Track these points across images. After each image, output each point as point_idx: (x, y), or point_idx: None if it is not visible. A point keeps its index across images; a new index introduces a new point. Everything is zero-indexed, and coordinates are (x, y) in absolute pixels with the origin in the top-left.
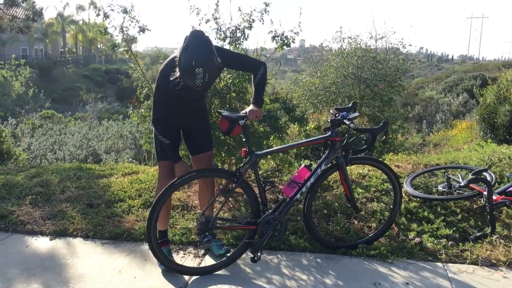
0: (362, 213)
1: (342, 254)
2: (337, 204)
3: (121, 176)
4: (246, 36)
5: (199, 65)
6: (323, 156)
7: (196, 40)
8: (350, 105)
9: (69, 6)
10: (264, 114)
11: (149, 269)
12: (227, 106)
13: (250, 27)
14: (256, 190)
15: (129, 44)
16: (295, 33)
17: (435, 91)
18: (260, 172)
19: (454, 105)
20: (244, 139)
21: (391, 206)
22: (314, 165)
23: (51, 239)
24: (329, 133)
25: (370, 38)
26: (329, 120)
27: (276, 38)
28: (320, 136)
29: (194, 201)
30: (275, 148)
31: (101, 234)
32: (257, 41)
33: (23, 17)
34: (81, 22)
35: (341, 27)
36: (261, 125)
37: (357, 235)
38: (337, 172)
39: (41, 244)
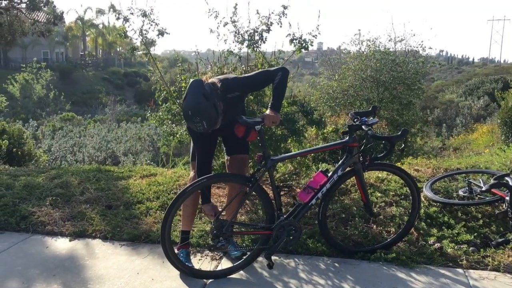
0: (380, 217)
1: (360, 258)
2: (355, 208)
3: (139, 178)
4: (264, 39)
5: (195, 114)
6: (340, 161)
7: (194, 89)
8: (370, 109)
9: (92, 10)
10: (282, 117)
11: (167, 270)
12: (246, 109)
13: (268, 30)
14: (271, 195)
15: (148, 47)
16: (313, 36)
17: (455, 94)
18: (277, 175)
19: (474, 108)
20: (260, 144)
21: (410, 211)
22: (331, 170)
23: (70, 240)
24: (347, 138)
25: (389, 40)
26: (347, 125)
27: (294, 41)
28: (337, 142)
29: (213, 203)
30: (291, 153)
31: (119, 235)
32: (275, 44)
33: (44, 21)
34: (101, 26)
35: (359, 30)
36: (278, 128)
37: (375, 240)
38: (354, 178)
39: (60, 245)
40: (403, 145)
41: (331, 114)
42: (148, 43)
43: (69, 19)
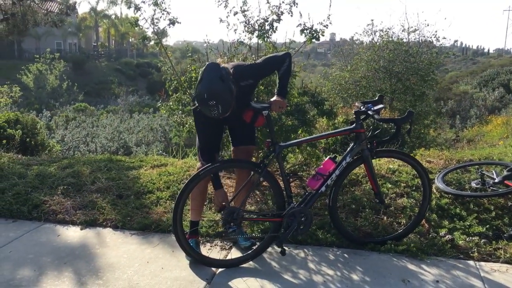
0: (391, 208)
1: (370, 249)
2: (366, 199)
3: (150, 168)
4: (274, 29)
5: (211, 98)
6: (348, 148)
7: (210, 72)
8: (377, 98)
9: (103, 1)
10: (293, 107)
11: (177, 260)
12: (255, 99)
13: (278, 20)
14: (281, 183)
15: (159, 37)
16: (324, 26)
17: (469, 85)
18: (287, 166)
19: (489, 100)
20: (268, 130)
21: (421, 202)
22: (339, 158)
23: (81, 229)
24: (354, 125)
25: (403, 31)
26: (353, 112)
27: (305, 31)
28: (345, 128)
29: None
30: (299, 139)
31: (130, 225)
32: (285, 33)
33: (57, 11)
34: (113, 17)
35: (372, 20)
36: (289, 119)
37: (386, 231)
38: (363, 165)
39: (71, 233)
40: (408, 127)
41: (343, 105)
42: (160, 33)
43: (82, 9)
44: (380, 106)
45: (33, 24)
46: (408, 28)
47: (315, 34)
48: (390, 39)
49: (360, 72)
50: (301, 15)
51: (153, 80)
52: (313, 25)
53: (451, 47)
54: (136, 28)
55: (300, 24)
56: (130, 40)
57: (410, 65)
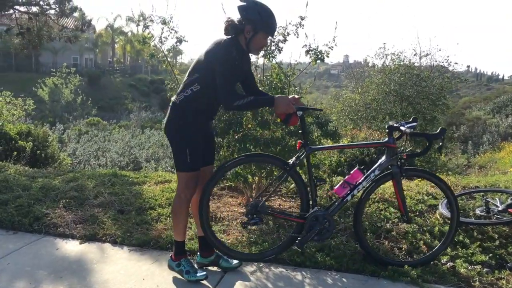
0: (393, 233)
1: (370, 274)
2: (368, 223)
3: (154, 184)
4: (280, 49)
5: None
6: (378, 162)
7: None
8: (411, 119)
9: (121, 18)
10: (296, 127)
11: (172, 278)
12: (259, 119)
13: (284, 41)
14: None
15: (166, 55)
16: (329, 47)
17: (482, 111)
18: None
19: (502, 126)
20: (300, 131)
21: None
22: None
23: (80, 243)
24: (387, 139)
25: (414, 55)
26: (386, 127)
27: (310, 52)
28: (377, 141)
29: (223, 212)
30: (330, 145)
31: (129, 240)
32: (291, 54)
33: (73, 27)
34: (129, 34)
35: (384, 43)
36: (292, 139)
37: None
38: (392, 182)
39: (70, 247)
40: (440, 143)
41: (353, 127)
42: (170, 51)
43: (99, 26)
44: (414, 124)
45: (48, 39)
46: (420, 52)
47: (319, 55)
48: (402, 62)
49: (370, 95)
50: (306, 36)
51: (166, 96)
52: (318, 46)
53: (465, 73)
54: (150, 46)
55: (306, 45)
56: (145, 57)
57: (421, 89)
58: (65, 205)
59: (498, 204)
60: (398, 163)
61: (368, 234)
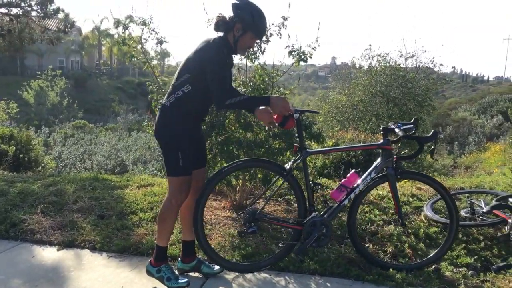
0: (378, 236)
1: (354, 278)
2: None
3: (136, 188)
4: (262, 50)
5: None
6: (374, 164)
7: None
8: (412, 121)
9: (108, 20)
10: (279, 130)
11: (152, 284)
12: (242, 121)
13: (267, 41)
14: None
15: (147, 56)
16: (312, 48)
17: (468, 112)
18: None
19: (487, 127)
20: (296, 135)
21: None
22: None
23: (58, 250)
24: (382, 140)
25: (400, 56)
26: (381, 128)
27: (293, 53)
28: (372, 143)
29: (206, 216)
30: (326, 148)
31: (108, 246)
32: (273, 56)
33: (55, 29)
34: (116, 36)
35: (370, 45)
36: (276, 141)
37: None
38: (387, 184)
39: (47, 254)
40: (432, 147)
41: (340, 129)
42: (157, 53)
43: (86, 28)
44: (409, 126)
45: (30, 41)
46: (406, 53)
47: (302, 56)
48: (388, 64)
49: (357, 96)
50: (289, 37)
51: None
52: (301, 46)
53: (451, 74)
54: (129, 47)
55: (288, 45)
56: (126, 58)
57: (407, 90)
58: (43, 211)
59: (483, 206)
60: (393, 165)
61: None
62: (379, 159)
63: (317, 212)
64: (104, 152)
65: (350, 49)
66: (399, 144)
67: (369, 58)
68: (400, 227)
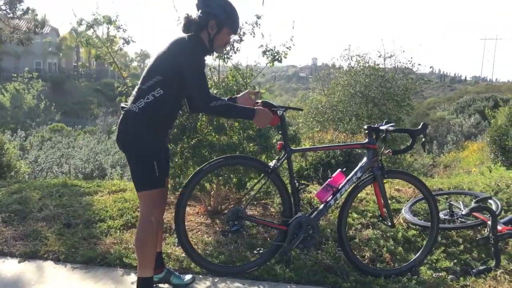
0: (356, 240)
1: (331, 286)
2: (330, 230)
3: (106, 194)
4: (235, 50)
5: None
6: (359, 163)
7: None
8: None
9: (86, 21)
10: (254, 133)
11: None
12: (215, 123)
13: (240, 40)
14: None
15: (113, 56)
16: (287, 47)
17: (446, 111)
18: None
19: (465, 126)
20: (279, 132)
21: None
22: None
23: (19, 262)
24: (366, 139)
25: (379, 56)
26: (365, 127)
27: (267, 52)
28: (357, 142)
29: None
30: (311, 147)
31: (73, 257)
32: (247, 56)
33: (25, 29)
34: (94, 37)
35: (349, 45)
36: (251, 144)
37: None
38: (373, 185)
39: (8, 266)
40: (423, 139)
41: (320, 129)
42: (114, 52)
43: (64, 30)
44: (391, 124)
45: None
46: (385, 54)
47: (277, 56)
48: (367, 64)
49: (336, 97)
50: (263, 36)
51: None
52: (275, 46)
53: (429, 74)
54: (87, 46)
55: (262, 45)
56: (93, 59)
57: (386, 90)
58: (5, 220)
59: (462, 207)
60: (379, 164)
61: (330, 242)
62: (364, 159)
63: (302, 212)
64: (82, 156)
65: (334, 49)
66: (384, 144)
67: (348, 58)
68: (376, 230)
